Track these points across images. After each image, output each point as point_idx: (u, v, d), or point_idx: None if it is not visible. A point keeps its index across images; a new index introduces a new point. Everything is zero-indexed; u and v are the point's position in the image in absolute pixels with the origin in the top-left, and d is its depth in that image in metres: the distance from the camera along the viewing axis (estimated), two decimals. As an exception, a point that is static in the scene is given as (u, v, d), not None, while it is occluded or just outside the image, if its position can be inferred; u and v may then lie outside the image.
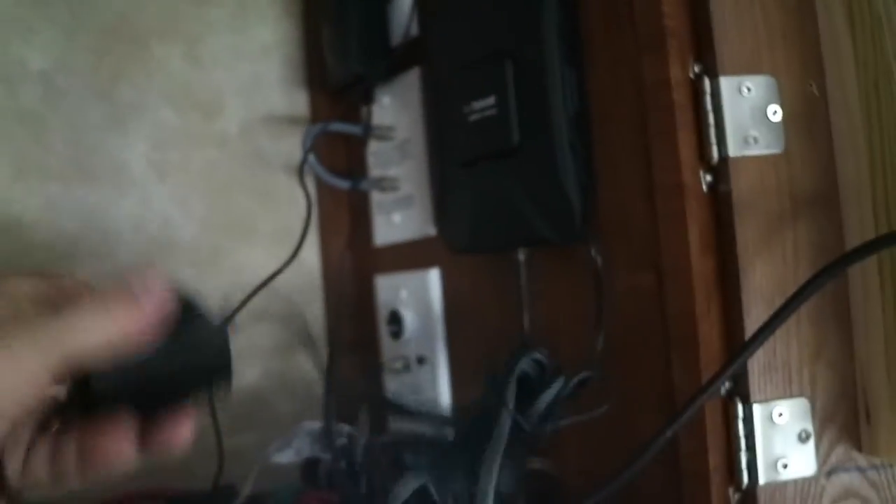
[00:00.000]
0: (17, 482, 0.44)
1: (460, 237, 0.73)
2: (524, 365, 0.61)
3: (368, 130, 0.88)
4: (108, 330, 0.42)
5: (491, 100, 0.66)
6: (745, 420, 0.54)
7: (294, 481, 0.75)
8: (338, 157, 0.94)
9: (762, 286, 0.54)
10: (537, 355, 0.61)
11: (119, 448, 0.44)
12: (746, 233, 0.54)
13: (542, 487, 0.68)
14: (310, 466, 0.76)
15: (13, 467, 0.44)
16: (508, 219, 0.67)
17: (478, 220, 0.70)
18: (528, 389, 0.61)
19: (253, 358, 0.93)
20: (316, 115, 0.97)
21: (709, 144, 0.55)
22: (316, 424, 0.76)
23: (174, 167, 0.92)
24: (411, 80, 0.83)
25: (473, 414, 0.64)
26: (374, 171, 0.90)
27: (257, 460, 0.73)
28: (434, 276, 0.81)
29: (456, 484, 0.61)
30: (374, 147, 0.90)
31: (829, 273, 0.48)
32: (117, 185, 0.89)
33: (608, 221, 0.63)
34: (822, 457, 0.55)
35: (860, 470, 0.55)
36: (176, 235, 0.92)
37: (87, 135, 0.88)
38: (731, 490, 0.54)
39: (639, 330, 0.61)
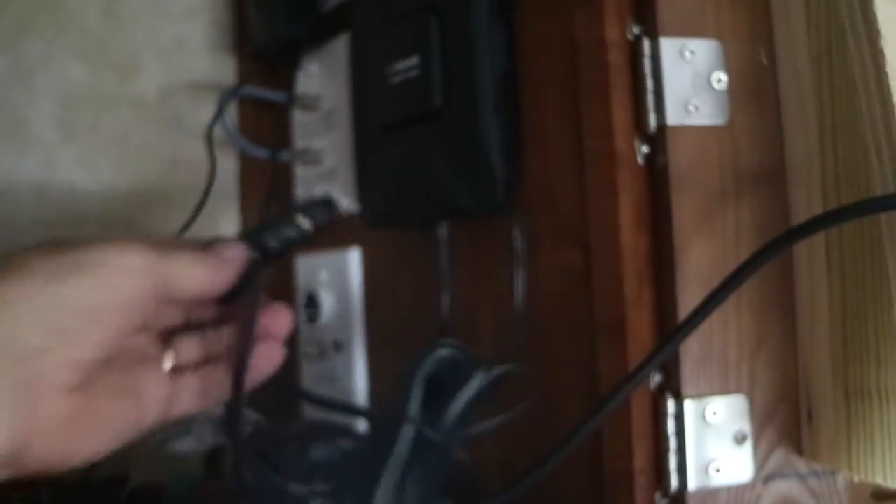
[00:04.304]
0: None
1: (378, 210, 0.68)
2: (432, 364, 0.52)
3: (292, 99, 0.82)
4: (199, 278, 0.47)
5: (414, 59, 0.60)
6: (675, 417, 0.49)
7: (194, 471, 0.70)
8: (263, 127, 0.88)
9: (699, 268, 0.49)
10: (446, 351, 0.52)
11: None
12: (684, 209, 0.49)
13: (458, 480, 0.62)
14: (214, 456, 0.70)
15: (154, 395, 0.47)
16: (428, 188, 0.61)
17: (397, 190, 0.64)
18: (441, 388, 0.53)
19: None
20: (242, 83, 0.90)
21: (646, 111, 0.50)
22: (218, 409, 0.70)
23: (83, 129, 0.85)
24: (340, 47, 0.77)
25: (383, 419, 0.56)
26: (299, 142, 0.84)
27: (152, 448, 0.68)
28: (354, 257, 0.75)
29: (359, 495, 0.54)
30: (299, 118, 0.84)
31: (772, 250, 0.43)
32: (18, 145, 0.82)
33: (534, 192, 0.58)
34: (759, 461, 0.50)
35: (800, 476, 0.51)
36: (82, 203, 0.85)
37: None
38: (657, 495, 0.49)
39: (564, 313, 0.55)
